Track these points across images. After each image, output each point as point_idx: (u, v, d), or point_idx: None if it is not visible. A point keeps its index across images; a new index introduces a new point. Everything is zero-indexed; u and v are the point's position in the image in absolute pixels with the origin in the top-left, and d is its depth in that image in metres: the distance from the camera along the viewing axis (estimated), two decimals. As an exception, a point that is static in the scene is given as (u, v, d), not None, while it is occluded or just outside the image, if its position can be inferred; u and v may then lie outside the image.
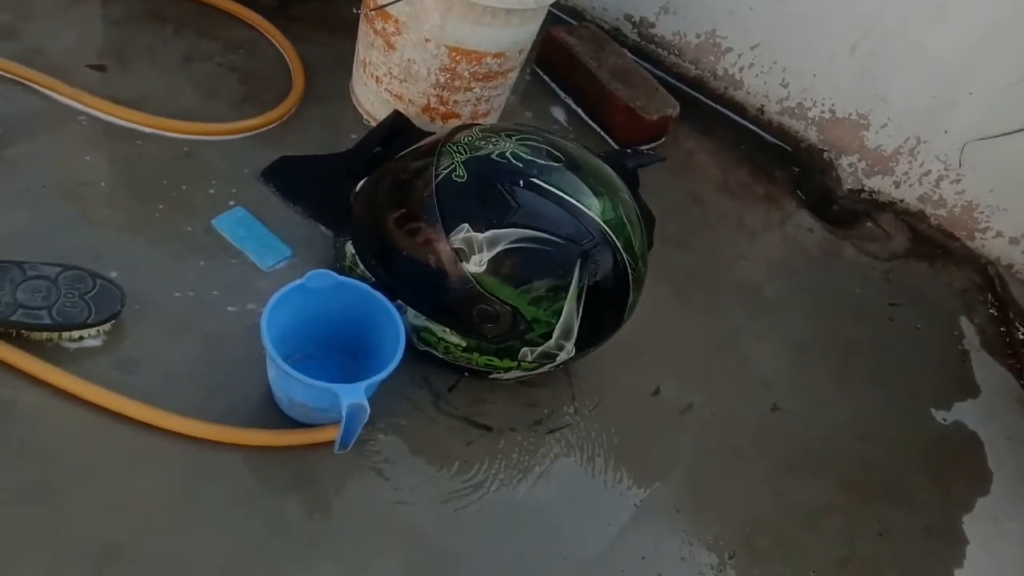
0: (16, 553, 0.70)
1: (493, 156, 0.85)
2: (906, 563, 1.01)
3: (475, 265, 0.82)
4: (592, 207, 0.84)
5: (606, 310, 0.89)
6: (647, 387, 1.05)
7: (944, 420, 1.20)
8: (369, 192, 0.94)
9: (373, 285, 0.86)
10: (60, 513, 0.73)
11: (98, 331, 0.84)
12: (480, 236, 0.81)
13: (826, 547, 0.98)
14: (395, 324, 0.82)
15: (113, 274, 0.87)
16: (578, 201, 0.84)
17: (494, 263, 0.82)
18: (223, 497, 0.78)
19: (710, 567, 0.90)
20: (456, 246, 0.82)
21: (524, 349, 0.87)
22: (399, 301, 0.86)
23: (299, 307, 0.82)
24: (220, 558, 0.75)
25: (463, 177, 0.84)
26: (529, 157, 0.85)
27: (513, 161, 0.84)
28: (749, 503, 0.99)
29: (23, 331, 0.80)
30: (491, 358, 0.89)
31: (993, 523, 1.09)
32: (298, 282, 0.81)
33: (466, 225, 0.82)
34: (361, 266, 0.91)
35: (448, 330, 0.88)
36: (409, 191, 0.87)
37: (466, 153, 0.85)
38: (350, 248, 0.93)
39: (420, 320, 0.88)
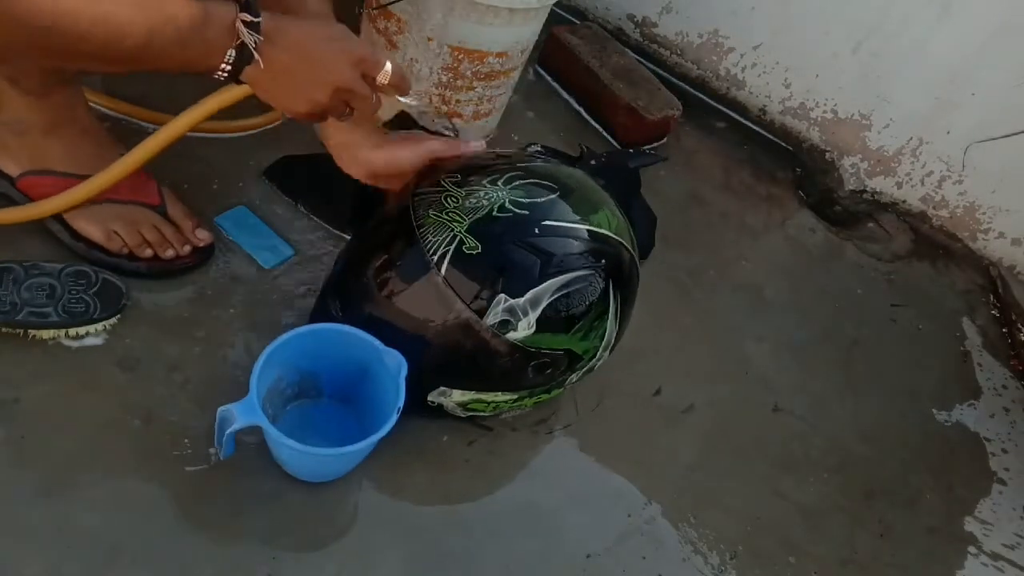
0: (16, 553, 0.70)
1: (495, 213, 0.77)
2: (908, 564, 1.00)
3: (524, 330, 0.78)
4: (601, 223, 0.82)
5: (628, 308, 0.88)
6: (648, 387, 1.05)
7: (946, 421, 1.20)
8: (365, 298, 0.83)
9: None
10: (60, 513, 0.73)
11: (103, 326, 0.84)
12: (521, 300, 0.77)
13: (827, 547, 0.98)
14: (396, 400, 0.78)
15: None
16: (588, 224, 0.81)
17: (541, 321, 0.78)
18: (225, 497, 0.78)
19: (711, 567, 0.90)
20: (498, 320, 0.77)
21: (572, 375, 0.87)
22: (443, 387, 0.84)
23: (316, 343, 0.81)
24: (221, 559, 0.75)
25: (477, 248, 0.76)
26: (529, 200, 0.79)
27: (518, 211, 0.78)
28: (750, 503, 0.99)
29: (30, 330, 0.80)
30: (540, 396, 0.88)
31: (996, 524, 1.09)
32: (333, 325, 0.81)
33: (502, 296, 0.76)
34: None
35: (499, 393, 0.85)
36: (404, 281, 0.79)
37: (464, 219, 0.77)
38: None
39: (469, 395, 0.85)
